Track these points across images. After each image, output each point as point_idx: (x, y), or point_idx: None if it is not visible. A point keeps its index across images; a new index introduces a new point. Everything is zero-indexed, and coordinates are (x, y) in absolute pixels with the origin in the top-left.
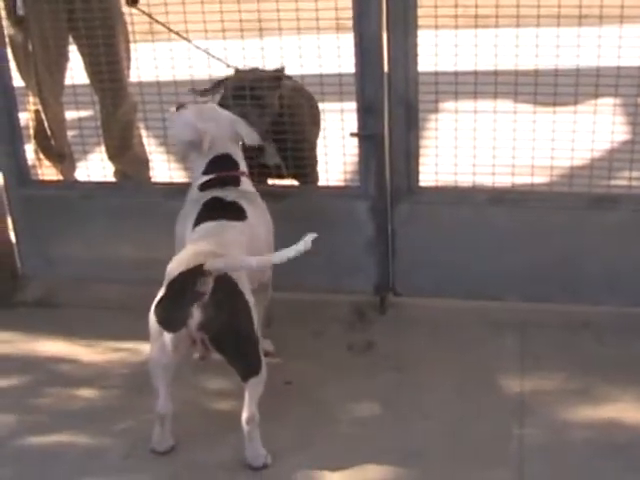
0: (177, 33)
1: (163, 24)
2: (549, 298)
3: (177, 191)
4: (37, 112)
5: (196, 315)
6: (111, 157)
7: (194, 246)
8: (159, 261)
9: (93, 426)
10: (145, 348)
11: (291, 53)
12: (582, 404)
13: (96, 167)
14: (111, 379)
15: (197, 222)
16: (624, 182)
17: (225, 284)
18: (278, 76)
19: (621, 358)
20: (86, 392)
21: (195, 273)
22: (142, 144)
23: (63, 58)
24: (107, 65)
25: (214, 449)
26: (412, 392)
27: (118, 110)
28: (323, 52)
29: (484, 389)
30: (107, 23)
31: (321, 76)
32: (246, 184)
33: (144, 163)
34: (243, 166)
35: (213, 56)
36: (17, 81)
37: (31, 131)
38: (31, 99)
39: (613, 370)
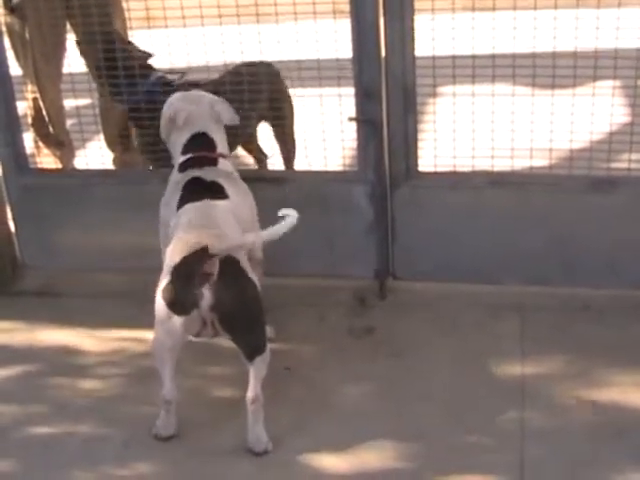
0: None
1: None
2: (548, 281)
3: None
4: (35, 100)
5: (207, 296)
6: (110, 145)
7: (192, 229)
8: (159, 249)
9: (94, 415)
10: (146, 336)
11: (288, 38)
12: (583, 387)
13: (95, 155)
14: (112, 368)
15: (181, 203)
16: (623, 165)
17: (230, 264)
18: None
19: (621, 341)
20: (87, 381)
21: (201, 255)
22: None
23: (61, 46)
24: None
25: (215, 436)
26: (412, 376)
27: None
28: (320, 37)
29: (484, 373)
30: (104, 10)
31: (318, 61)
32: (224, 165)
33: None
34: (222, 147)
35: None
36: (15, 69)
37: (29, 119)
38: (29, 87)
39: (613, 353)
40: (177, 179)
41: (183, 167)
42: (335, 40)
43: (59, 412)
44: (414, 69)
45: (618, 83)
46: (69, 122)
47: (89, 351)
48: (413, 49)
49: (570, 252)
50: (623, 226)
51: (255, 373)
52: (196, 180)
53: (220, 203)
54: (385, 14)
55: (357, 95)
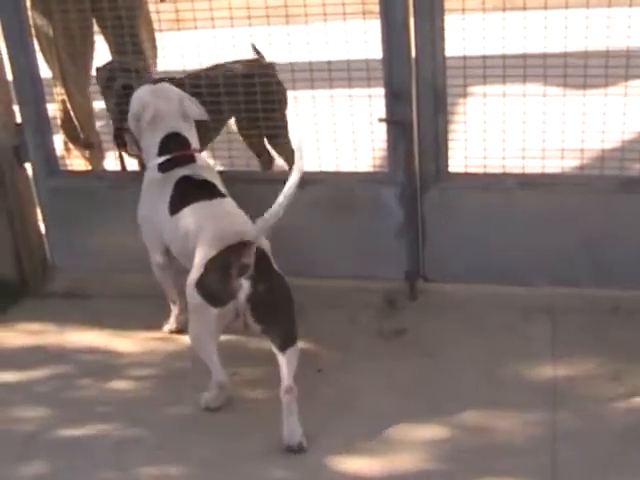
0: None
1: None
2: (579, 283)
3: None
4: (63, 102)
5: (245, 287)
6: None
7: (219, 222)
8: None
9: (125, 416)
10: (175, 336)
11: (318, 39)
12: (615, 389)
13: (125, 157)
14: (142, 369)
15: (175, 202)
16: None
17: (260, 255)
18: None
19: None
20: (117, 383)
21: (239, 246)
22: None
23: (89, 49)
24: (132, 54)
25: (246, 438)
26: (443, 378)
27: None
28: (350, 38)
29: (515, 375)
30: (129, 13)
31: (348, 62)
32: (201, 160)
33: None
34: (195, 142)
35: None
36: (45, 71)
37: (58, 121)
38: (57, 89)
39: None
40: (158, 178)
41: (164, 167)
42: (365, 41)
43: (90, 414)
44: (444, 69)
45: None
46: (99, 124)
47: (119, 352)
48: (443, 49)
49: (601, 253)
50: None
51: (288, 364)
52: (186, 179)
53: (226, 200)
54: (415, 14)
55: (387, 96)
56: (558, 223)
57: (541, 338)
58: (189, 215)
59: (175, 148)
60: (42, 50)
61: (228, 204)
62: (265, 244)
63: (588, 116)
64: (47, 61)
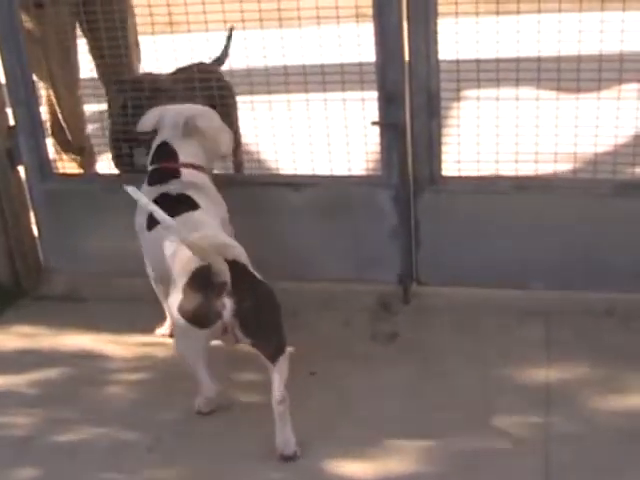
0: None
1: None
2: (573, 286)
3: None
4: (51, 106)
5: (228, 304)
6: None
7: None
8: None
9: (118, 420)
10: (169, 341)
11: (311, 43)
12: (609, 392)
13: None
14: (136, 373)
15: (151, 221)
16: None
17: (237, 267)
18: None
19: None
20: (111, 386)
21: (209, 267)
22: None
23: (73, 51)
24: (116, 58)
25: (240, 443)
26: (436, 381)
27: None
28: (343, 41)
29: (510, 378)
30: (121, 16)
31: (342, 65)
32: (189, 175)
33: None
34: (187, 156)
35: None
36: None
37: (48, 124)
38: (44, 92)
39: (639, 358)
40: (146, 192)
41: (150, 181)
42: (358, 44)
43: (84, 418)
44: (438, 73)
45: None
46: (91, 127)
47: (113, 356)
48: (437, 53)
49: (595, 256)
50: None
51: (279, 374)
52: (164, 196)
53: (195, 213)
54: (409, 18)
55: (380, 99)
56: (552, 226)
57: (535, 341)
58: (157, 232)
59: (161, 159)
60: (31, 54)
61: (197, 217)
62: (238, 253)
63: (581, 120)
64: (34, 64)
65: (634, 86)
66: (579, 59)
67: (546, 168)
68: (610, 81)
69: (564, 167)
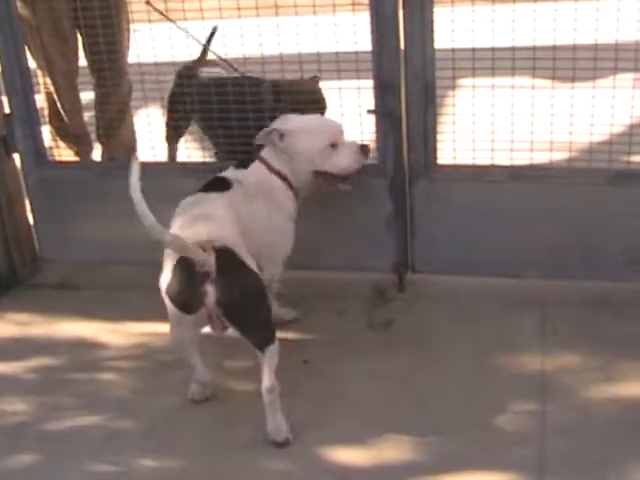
0: (161, 12)
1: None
2: (569, 275)
3: (192, 171)
4: (49, 94)
5: (210, 292)
6: (100, 139)
7: (182, 225)
8: None
9: (114, 408)
10: (164, 329)
11: (307, 31)
12: (603, 381)
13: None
14: (130, 360)
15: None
16: None
17: (226, 255)
18: None
19: None
20: (106, 374)
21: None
22: (133, 130)
23: (73, 40)
24: (108, 45)
25: (233, 430)
26: (431, 369)
27: (116, 91)
28: (339, 30)
29: (504, 366)
30: (117, 10)
31: (337, 54)
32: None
33: (131, 149)
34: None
35: (194, 37)
36: (33, 63)
37: (45, 112)
38: (41, 80)
39: (634, 347)
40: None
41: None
42: (354, 32)
43: (79, 405)
44: (434, 62)
45: (639, 75)
46: (87, 114)
47: (108, 344)
48: (433, 42)
49: (590, 245)
50: None
51: (268, 363)
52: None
53: (213, 196)
54: (404, 7)
55: (376, 88)
56: (547, 215)
57: (530, 330)
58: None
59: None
60: (27, 42)
61: (213, 202)
62: (231, 241)
63: (577, 108)
64: (32, 52)
65: (629, 75)
66: (574, 48)
67: (541, 157)
68: (605, 70)
69: (559, 156)
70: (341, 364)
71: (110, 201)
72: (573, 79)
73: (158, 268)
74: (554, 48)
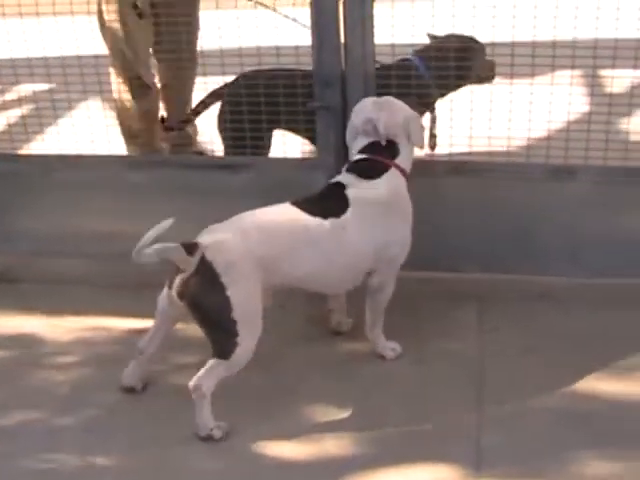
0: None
1: None
2: (508, 269)
3: (138, 164)
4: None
5: (176, 283)
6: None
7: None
8: (121, 234)
9: (55, 402)
10: (107, 323)
11: (248, 25)
12: (542, 374)
13: (53, 140)
14: (72, 355)
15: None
16: (581, 153)
17: (204, 265)
18: None
19: (580, 330)
20: (46, 369)
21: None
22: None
23: None
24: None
25: (173, 424)
26: (370, 364)
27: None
28: (280, 24)
29: (442, 361)
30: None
31: (277, 48)
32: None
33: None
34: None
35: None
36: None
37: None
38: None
39: (573, 341)
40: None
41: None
42: (295, 27)
43: (18, 401)
44: (374, 56)
45: (576, 72)
46: (28, 107)
47: (49, 338)
48: (372, 36)
49: (529, 240)
50: (582, 214)
51: (207, 367)
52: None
53: (285, 207)
54: (344, 1)
55: (317, 82)
56: (486, 209)
57: (468, 324)
58: None
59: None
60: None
61: (278, 212)
62: (216, 258)
63: (515, 104)
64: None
65: (567, 72)
66: (513, 44)
67: (480, 151)
68: (544, 67)
69: (498, 151)
70: (282, 359)
71: (50, 194)
72: (511, 75)
73: (99, 261)
74: (493, 45)
